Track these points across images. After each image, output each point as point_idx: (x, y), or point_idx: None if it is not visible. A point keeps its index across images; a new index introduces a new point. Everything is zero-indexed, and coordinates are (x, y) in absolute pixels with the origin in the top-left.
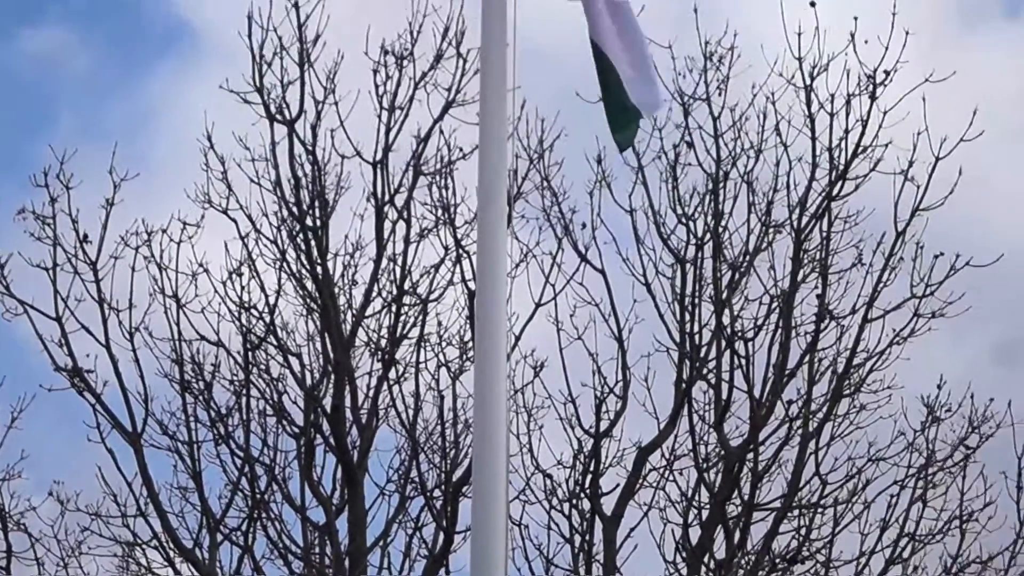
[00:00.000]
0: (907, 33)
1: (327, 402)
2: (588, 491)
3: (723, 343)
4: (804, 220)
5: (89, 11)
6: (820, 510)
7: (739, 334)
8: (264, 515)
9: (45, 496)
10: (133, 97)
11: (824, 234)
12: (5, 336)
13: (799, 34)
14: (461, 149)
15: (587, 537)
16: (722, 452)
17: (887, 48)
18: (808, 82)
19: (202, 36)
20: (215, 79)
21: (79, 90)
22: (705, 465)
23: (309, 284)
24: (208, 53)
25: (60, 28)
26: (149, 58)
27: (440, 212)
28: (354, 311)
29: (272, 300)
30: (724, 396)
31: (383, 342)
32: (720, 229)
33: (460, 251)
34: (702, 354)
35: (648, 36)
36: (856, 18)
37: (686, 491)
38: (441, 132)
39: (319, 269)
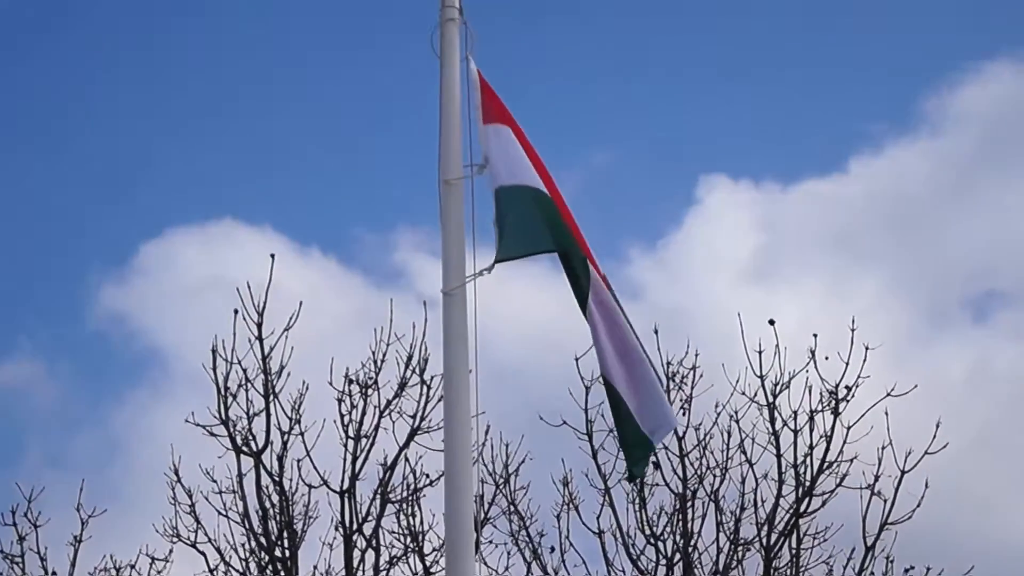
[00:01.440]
0: (867, 348)
1: None
2: None
3: None
4: (773, 537)
5: (56, 343)
6: None
7: None
8: None
9: None
10: (101, 428)
11: (793, 551)
12: None
13: (760, 352)
14: (427, 475)
15: None
16: None
17: (847, 364)
18: (771, 399)
19: (171, 364)
20: (183, 407)
21: (47, 421)
22: None
23: None
24: (177, 381)
25: (27, 360)
26: (117, 387)
27: (408, 540)
28: None
29: None
30: None
31: None
32: (689, 549)
33: None
34: None
35: None
36: (815, 335)
37: None
38: (407, 459)
39: None
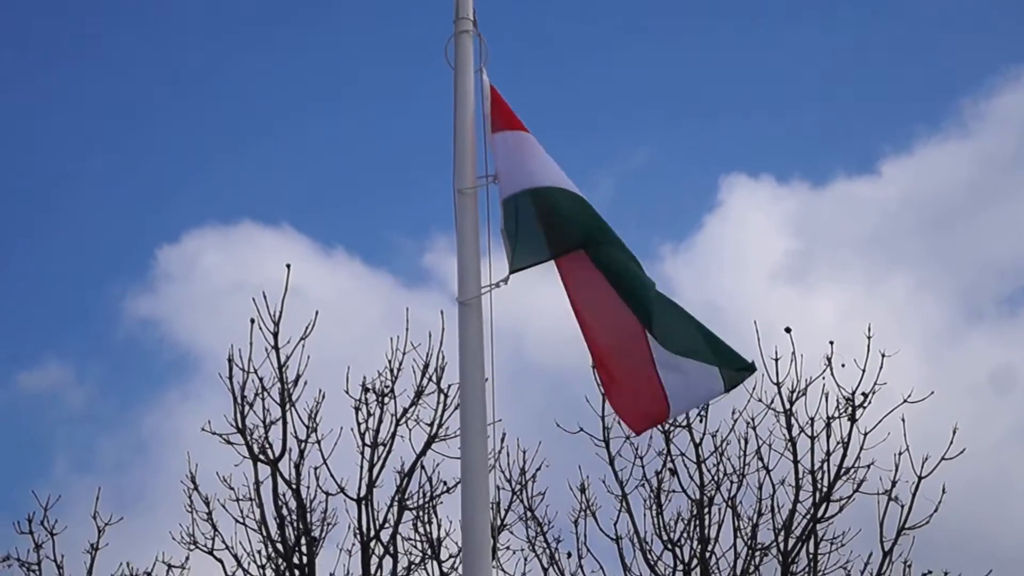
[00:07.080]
0: (883, 355)
1: None
2: None
3: None
4: (790, 543)
5: (85, 348)
6: None
7: None
8: None
9: None
10: (129, 431)
11: (811, 556)
12: None
13: (776, 359)
14: (444, 483)
15: None
16: None
17: (864, 371)
18: (787, 407)
19: (200, 367)
20: (210, 411)
21: (75, 424)
22: None
23: None
24: (204, 384)
25: (57, 366)
26: (145, 391)
27: (426, 546)
28: None
29: None
30: None
31: None
32: (707, 554)
33: None
34: None
35: None
36: (832, 342)
37: None
38: (423, 467)
39: None
